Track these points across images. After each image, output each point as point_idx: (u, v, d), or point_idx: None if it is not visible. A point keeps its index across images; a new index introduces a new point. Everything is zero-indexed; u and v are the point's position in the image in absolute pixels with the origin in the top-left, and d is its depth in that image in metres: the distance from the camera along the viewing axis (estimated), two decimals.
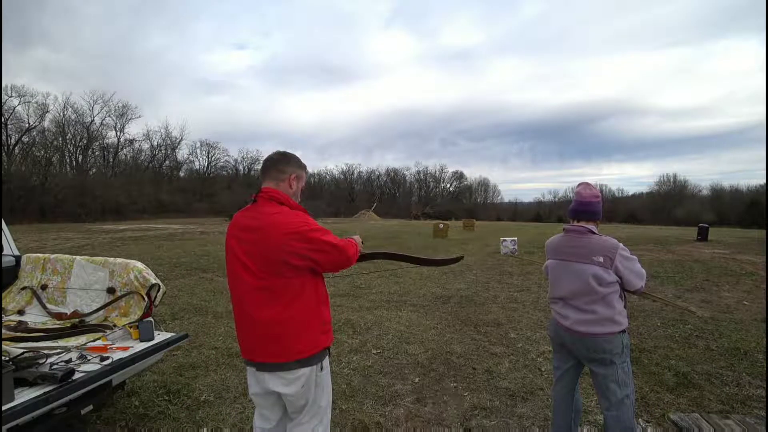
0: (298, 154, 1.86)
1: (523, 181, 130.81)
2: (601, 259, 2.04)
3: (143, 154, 54.03)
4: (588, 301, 2.09)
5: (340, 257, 1.73)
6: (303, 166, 1.86)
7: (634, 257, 2.11)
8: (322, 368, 1.75)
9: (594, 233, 2.14)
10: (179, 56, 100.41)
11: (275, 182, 1.75)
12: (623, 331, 2.10)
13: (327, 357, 1.80)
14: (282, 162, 1.78)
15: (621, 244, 2.08)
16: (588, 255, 2.08)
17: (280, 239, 1.60)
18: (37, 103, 41.70)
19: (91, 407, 2.28)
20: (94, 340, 2.54)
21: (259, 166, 1.94)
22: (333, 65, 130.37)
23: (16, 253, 3.39)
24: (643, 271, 2.14)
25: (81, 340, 2.54)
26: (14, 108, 39.86)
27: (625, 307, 2.14)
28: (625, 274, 2.06)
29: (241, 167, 61.99)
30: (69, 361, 2.24)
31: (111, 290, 2.97)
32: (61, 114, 44.76)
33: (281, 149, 1.86)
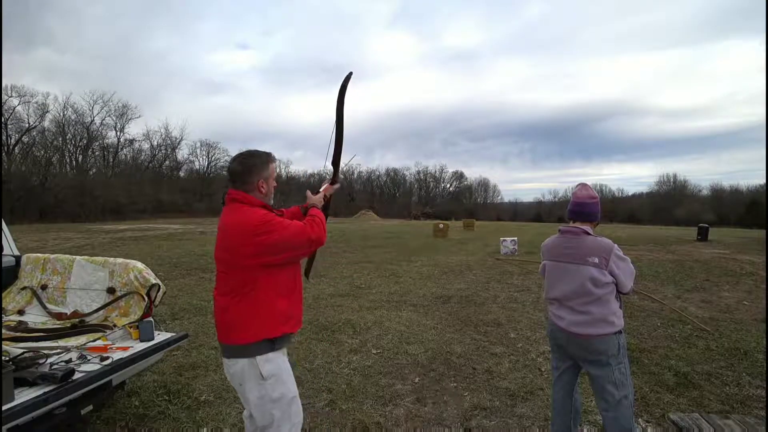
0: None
1: (523, 181, 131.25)
2: (597, 260, 2.05)
3: (143, 154, 54.06)
4: (583, 302, 2.09)
5: (300, 248, 1.73)
6: (267, 163, 1.80)
7: (627, 258, 2.11)
8: (263, 376, 1.70)
9: (589, 234, 2.14)
10: (181, 56, 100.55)
11: (244, 193, 1.77)
12: (619, 332, 2.10)
13: (279, 359, 1.76)
14: (245, 174, 1.76)
15: (615, 245, 2.08)
16: (583, 256, 2.08)
17: (234, 239, 1.68)
18: (37, 103, 41.76)
19: (91, 407, 2.28)
20: (94, 340, 2.54)
21: None
22: (335, 65, 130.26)
23: (16, 253, 3.39)
24: (634, 270, 2.14)
25: (81, 340, 2.54)
26: (14, 108, 39.91)
27: (620, 307, 2.14)
28: (619, 275, 2.06)
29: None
30: (69, 361, 2.24)
31: (111, 290, 2.97)
32: (61, 114, 44.79)
33: (246, 150, 1.81)
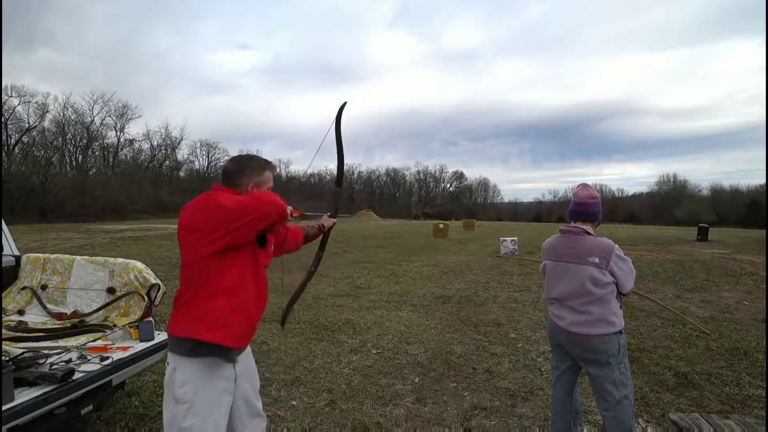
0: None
1: (523, 181, 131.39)
2: (597, 260, 2.05)
3: (143, 154, 54.18)
4: (583, 302, 2.09)
5: (251, 212, 1.49)
6: (263, 167, 1.72)
7: (628, 258, 2.11)
8: (175, 397, 1.54)
9: (590, 234, 2.14)
10: (182, 57, 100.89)
11: (225, 187, 1.69)
12: (619, 332, 2.10)
13: (202, 383, 1.56)
14: (236, 174, 1.67)
15: (616, 245, 2.08)
16: (583, 256, 2.09)
17: (186, 219, 1.58)
18: (37, 103, 41.82)
19: (91, 407, 2.28)
20: (94, 340, 2.54)
21: None
22: (335, 66, 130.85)
23: (16, 253, 3.39)
24: (634, 270, 2.14)
25: (81, 340, 2.54)
26: (14, 108, 39.95)
27: (621, 307, 2.14)
28: (619, 275, 2.06)
29: None
30: (69, 361, 2.24)
31: (111, 290, 2.97)
32: (61, 114, 44.87)
33: (246, 152, 1.74)
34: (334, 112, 2.18)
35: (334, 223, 2.24)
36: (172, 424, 1.57)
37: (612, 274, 2.05)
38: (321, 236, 2.26)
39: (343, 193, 2.30)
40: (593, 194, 2.19)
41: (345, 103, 2.21)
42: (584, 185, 2.24)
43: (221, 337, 1.55)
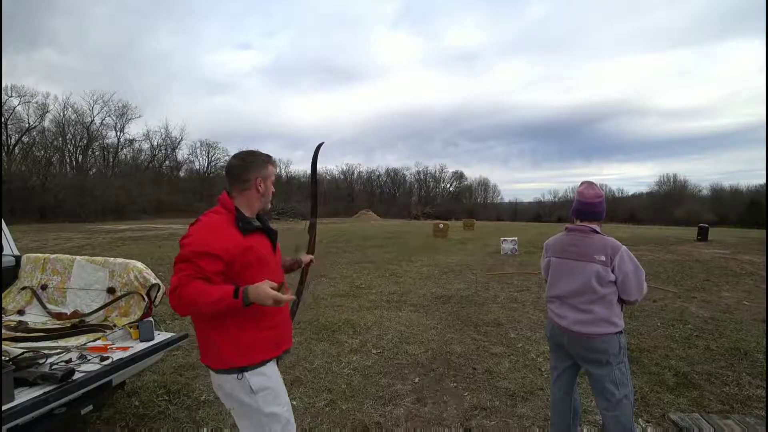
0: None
1: (523, 181, 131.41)
2: (603, 258, 2.04)
3: (143, 154, 54.26)
4: (586, 300, 2.09)
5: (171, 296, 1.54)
6: (266, 162, 1.73)
7: (642, 269, 2.06)
8: (250, 386, 1.64)
9: (597, 233, 2.14)
10: (184, 57, 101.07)
11: (241, 192, 1.69)
12: (620, 332, 2.10)
13: (258, 375, 1.65)
14: (241, 169, 1.69)
15: (624, 246, 2.06)
16: (591, 254, 2.08)
17: None
18: (37, 103, 41.86)
19: (91, 407, 2.29)
20: (94, 340, 2.54)
21: None
22: (337, 66, 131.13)
23: (16, 253, 3.39)
24: (642, 279, 2.07)
25: (81, 340, 2.54)
26: (14, 108, 39.98)
27: (622, 309, 2.14)
28: (626, 273, 2.02)
29: None
30: (69, 361, 2.24)
31: (111, 290, 2.97)
32: (61, 114, 44.91)
33: (247, 149, 1.76)
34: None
35: (311, 260, 2.26)
36: (252, 415, 1.66)
37: (614, 272, 2.04)
38: (300, 271, 2.28)
39: (315, 224, 2.35)
40: (599, 193, 2.19)
41: (322, 143, 2.32)
42: (589, 184, 2.22)
43: (260, 357, 1.67)
